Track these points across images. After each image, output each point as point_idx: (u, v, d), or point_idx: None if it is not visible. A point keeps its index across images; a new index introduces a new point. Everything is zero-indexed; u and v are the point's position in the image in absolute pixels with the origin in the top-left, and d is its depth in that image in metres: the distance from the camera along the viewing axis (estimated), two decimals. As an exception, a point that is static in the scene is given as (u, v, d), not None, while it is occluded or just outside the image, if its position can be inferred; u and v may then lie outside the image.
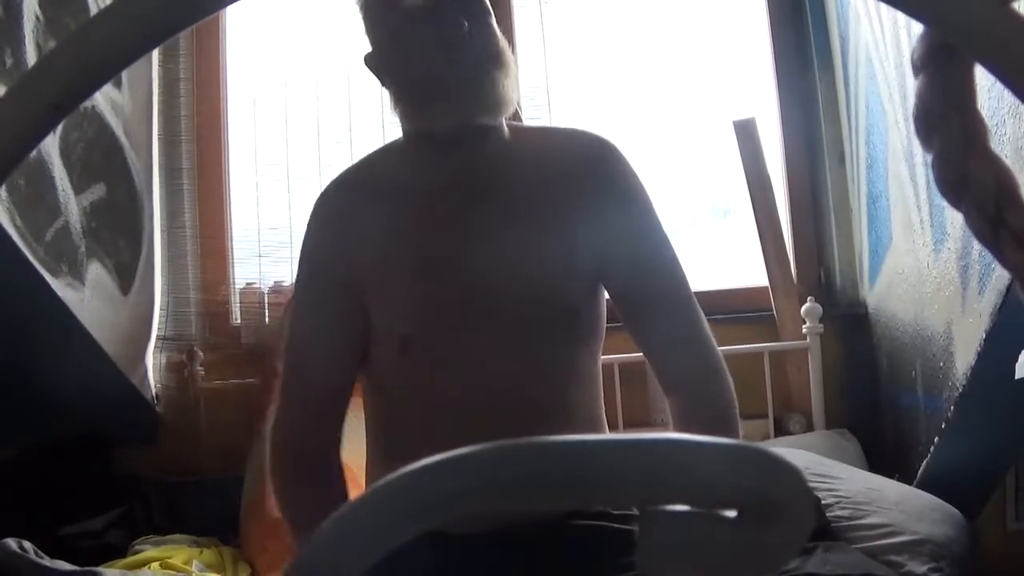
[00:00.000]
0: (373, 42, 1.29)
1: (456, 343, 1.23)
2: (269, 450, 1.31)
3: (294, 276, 1.37)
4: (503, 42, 1.24)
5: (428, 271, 1.24)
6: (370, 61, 1.31)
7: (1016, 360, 1.48)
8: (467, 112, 1.22)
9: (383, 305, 1.26)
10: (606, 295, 1.32)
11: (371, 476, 1.36)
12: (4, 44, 1.66)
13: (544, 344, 1.24)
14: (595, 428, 1.32)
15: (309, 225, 1.33)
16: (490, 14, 1.24)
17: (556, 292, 1.25)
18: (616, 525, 1.24)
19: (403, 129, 1.32)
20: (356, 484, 1.47)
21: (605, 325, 1.33)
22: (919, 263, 1.97)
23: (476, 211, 1.25)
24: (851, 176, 2.53)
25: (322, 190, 1.36)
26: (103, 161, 2.18)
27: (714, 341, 1.28)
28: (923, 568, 1.68)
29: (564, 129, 1.38)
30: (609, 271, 1.28)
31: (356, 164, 1.38)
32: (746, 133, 2.47)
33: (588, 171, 1.28)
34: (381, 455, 1.32)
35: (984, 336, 1.60)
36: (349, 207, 1.30)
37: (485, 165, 1.27)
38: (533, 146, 1.30)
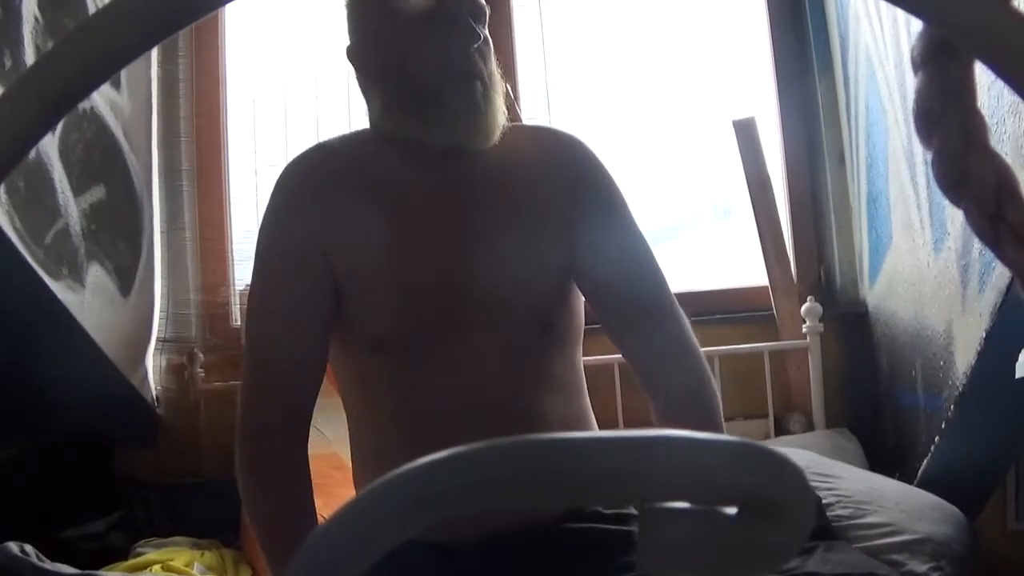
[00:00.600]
0: (367, 37, 1.23)
1: (431, 347, 1.19)
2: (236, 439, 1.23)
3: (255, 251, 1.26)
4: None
5: (405, 272, 1.20)
6: (357, 56, 1.24)
7: (1016, 360, 1.48)
8: (466, 137, 1.19)
9: (356, 299, 1.21)
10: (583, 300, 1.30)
11: (354, 470, 1.32)
12: (3, 45, 1.66)
13: (518, 352, 1.21)
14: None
15: (277, 195, 1.24)
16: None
17: (531, 300, 1.22)
18: (611, 526, 1.22)
19: (377, 124, 1.26)
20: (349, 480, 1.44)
21: (583, 330, 1.31)
22: (919, 262, 1.97)
23: (454, 215, 1.22)
24: (851, 176, 2.53)
25: (290, 162, 1.27)
26: (102, 163, 2.18)
27: (698, 345, 1.27)
28: (924, 567, 1.68)
29: (536, 128, 1.32)
30: (590, 276, 1.25)
31: (322, 147, 1.29)
32: (746, 133, 2.47)
33: (567, 175, 1.26)
34: (359, 453, 1.29)
35: (984, 335, 1.60)
36: (324, 187, 1.22)
37: (465, 169, 1.23)
38: (510, 149, 1.25)
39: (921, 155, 1.87)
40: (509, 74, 2.59)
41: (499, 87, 1.21)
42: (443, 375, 1.19)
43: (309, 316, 1.21)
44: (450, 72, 1.16)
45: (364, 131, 1.30)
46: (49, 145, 1.88)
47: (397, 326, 1.20)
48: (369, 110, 1.27)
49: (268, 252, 1.24)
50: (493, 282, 1.20)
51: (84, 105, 2.03)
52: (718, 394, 1.26)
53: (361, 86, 1.27)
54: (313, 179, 1.24)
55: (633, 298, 1.26)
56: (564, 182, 1.25)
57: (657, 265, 1.28)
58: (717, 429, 1.24)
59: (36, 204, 1.82)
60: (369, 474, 1.26)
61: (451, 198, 1.23)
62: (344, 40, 1.28)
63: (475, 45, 1.16)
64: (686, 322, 1.27)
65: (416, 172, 1.23)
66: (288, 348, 1.20)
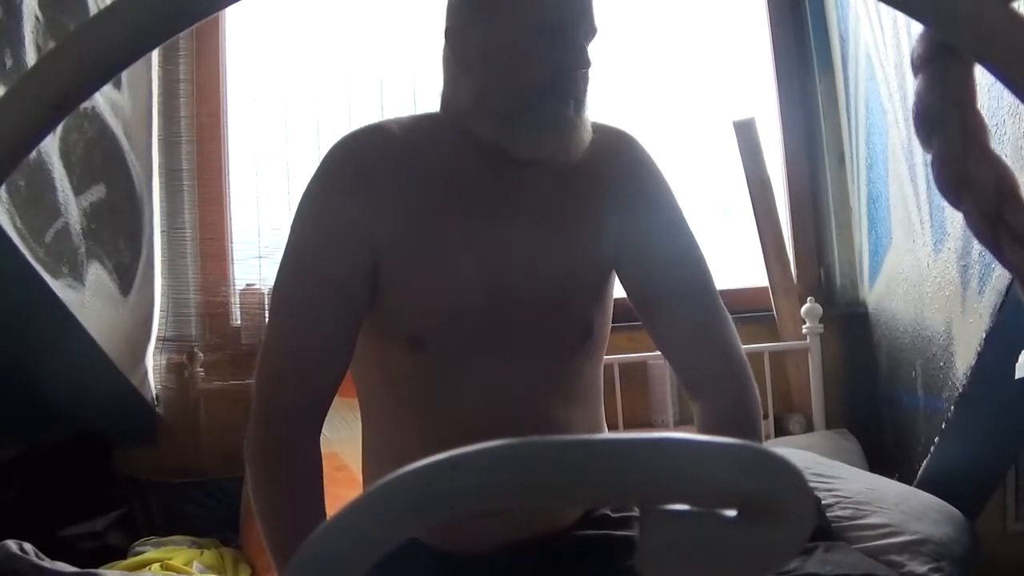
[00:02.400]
0: (476, 28, 1.16)
1: (471, 349, 1.16)
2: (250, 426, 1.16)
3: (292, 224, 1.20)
4: None
5: (455, 272, 1.16)
6: (457, 42, 1.18)
7: (1016, 360, 1.48)
8: (551, 154, 1.16)
9: (398, 294, 1.17)
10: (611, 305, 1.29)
11: (367, 468, 1.29)
12: (4, 45, 1.66)
13: (556, 359, 1.19)
14: None
15: (323, 174, 1.18)
16: None
17: (576, 306, 1.20)
18: (623, 532, 1.21)
19: (453, 112, 1.20)
20: (355, 482, 1.44)
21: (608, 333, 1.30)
22: (919, 263, 1.97)
23: (509, 216, 1.18)
24: (851, 176, 2.54)
25: (343, 139, 1.20)
26: (103, 162, 2.18)
27: (737, 336, 1.26)
28: (923, 568, 1.68)
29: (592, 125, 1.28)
30: (634, 269, 1.24)
31: (380, 127, 1.22)
32: (746, 133, 2.47)
33: (620, 175, 1.24)
34: (379, 451, 1.25)
35: (984, 336, 1.60)
36: (378, 172, 1.16)
37: (524, 170, 1.19)
38: None
39: (921, 155, 1.87)
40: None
41: (588, 107, 1.18)
42: (479, 378, 1.16)
43: (342, 307, 1.15)
44: (553, 89, 1.13)
45: (432, 115, 1.24)
46: (50, 144, 1.88)
47: (439, 326, 1.16)
48: (445, 93, 1.22)
49: (306, 234, 1.18)
50: (541, 287, 1.18)
51: (85, 105, 2.03)
52: (756, 389, 1.24)
53: (449, 70, 1.21)
54: (366, 162, 1.17)
55: (671, 288, 1.24)
56: (614, 181, 1.23)
57: (702, 258, 1.27)
58: (756, 429, 1.22)
59: (37, 203, 1.82)
60: (389, 473, 1.23)
61: (507, 198, 1.19)
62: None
63: (584, 69, 1.15)
64: (726, 314, 1.26)
65: (477, 167, 1.19)
66: (316, 338, 1.15)
